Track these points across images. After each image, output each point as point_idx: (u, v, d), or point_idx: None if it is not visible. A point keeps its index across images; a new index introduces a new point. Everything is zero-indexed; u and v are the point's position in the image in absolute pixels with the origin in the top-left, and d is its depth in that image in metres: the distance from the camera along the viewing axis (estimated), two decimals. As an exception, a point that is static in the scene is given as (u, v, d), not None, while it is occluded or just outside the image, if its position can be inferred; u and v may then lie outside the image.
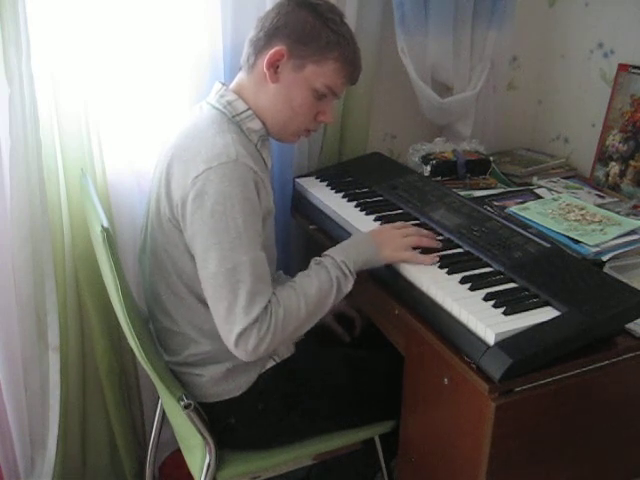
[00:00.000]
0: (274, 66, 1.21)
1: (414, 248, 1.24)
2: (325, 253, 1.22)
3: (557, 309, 1.07)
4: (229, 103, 1.24)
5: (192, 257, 1.17)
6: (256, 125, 1.26)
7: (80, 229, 1.47)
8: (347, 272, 1.18)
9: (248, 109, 1.25)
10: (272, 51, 1.20)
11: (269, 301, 1.12)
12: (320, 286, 1.16)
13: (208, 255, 1.11)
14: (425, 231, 1.29)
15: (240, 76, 1.29)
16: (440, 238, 1.33)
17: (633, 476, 1.26)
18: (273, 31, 1.21)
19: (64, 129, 1.40)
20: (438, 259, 1.21)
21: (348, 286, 1.19)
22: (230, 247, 1.10)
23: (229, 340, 1.11)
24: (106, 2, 1.39)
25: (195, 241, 1.13)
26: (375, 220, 1.41)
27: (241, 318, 1.09)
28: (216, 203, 1.10)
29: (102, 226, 1.09)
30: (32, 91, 1.31)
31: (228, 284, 1.10)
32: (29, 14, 1.27)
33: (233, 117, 1.24)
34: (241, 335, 1.09)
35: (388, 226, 1.29)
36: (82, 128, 1.41)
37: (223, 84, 1.28)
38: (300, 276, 1.19)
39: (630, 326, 1.11)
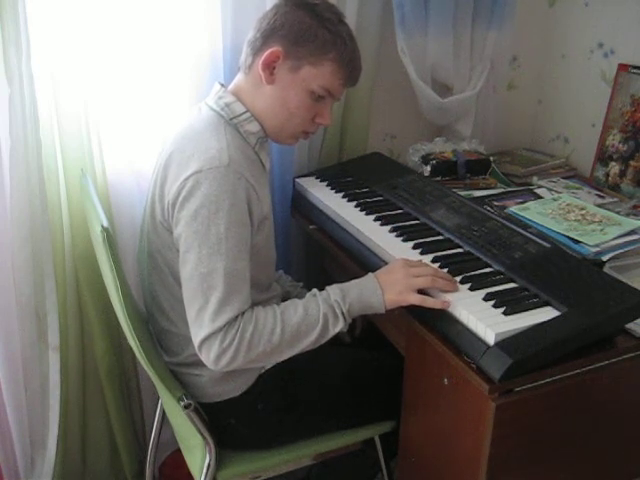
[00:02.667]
0: (270, 67, 1.20)
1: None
2: (326, 287, 1.17)
3: (557, 309, 1.07)
4: (227, 105, 1.24)
5: None
6: (254, 127, 1.25)
7: (80, 229, 1.48)
8: (338, 313, 1.13)
9: (246, 111, 1.24)
10: (268, 52, 1.19)
11: (241, 314, 1.10)
12: (304, 318, 1.12)
13: (187, 256, 1.11)
14: (442, 272, 1.17)
15: (238, 77, 1.28)
16: (440, 238, 1.33)
17: (633, 476, 1.26)
18: (269, 32, 1.20)
19: (64, 129, 1.40)
20: (449, 303, 1.09)
21: (337, 327, 1.13)
22: (208, 252, 1.09)
23: (195, 343, 1.11)
24: (106, 2, 1.39)
25: (179, 242, 1.13)
26: (375, 220, 1.41)
27: (207, 324, 1.08)
28: (201, 206, 1.09)
29: (102, 226, 1.09)
30: (32, 91, 1.31)
31: (201, 289, 1.09)
32: (29, 14, 1.27)
33: (231, 119, 1.23)
34: (204, 341, 1.08)
35: (400, 263, 1.17)
36: (82, 128, 1.41)
37: (222, 85, 1.28)
38: (289, 302, 1.15)
39: (630, 326, 1.11)
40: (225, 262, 1.09)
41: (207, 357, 1.10)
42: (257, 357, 1.11)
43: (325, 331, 1.14)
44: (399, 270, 1.16)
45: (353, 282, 1.18)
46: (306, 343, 1.14)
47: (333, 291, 1.16)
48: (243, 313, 1.10)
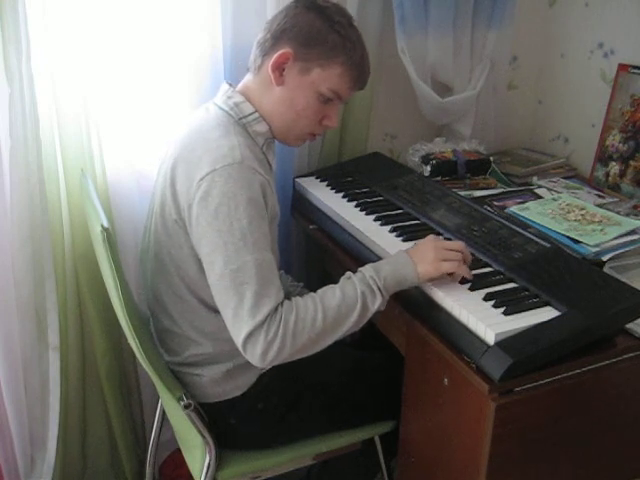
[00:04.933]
0: (280, 68, 1.21)
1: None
2: (359, 269, 1.16)
3: (557, 309, 1.07)
4: (236, 105, 1.24)
5: (197, 259, 1.16)
6: (262, 128, 1.25)
7: (80, 229, 1.48)
8: (375, 289, 1.11)
9: (255, 112, 1.24)
10: (278, 53, 1.19)
11: (280, 305, 1.08)
12: (343, 300, 1.10)
13: (213, 257, 1.09)
14: (467, 252, 1.19)
15: (247, 78, 1.28)
16: (440, 238, 1.33)
17: (633, 476, 1.26)
18: (280, 33, 1.21)
19: (64, 129, 1.40)
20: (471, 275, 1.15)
21: (376, 304, 1.12)
22: (235, 248, 1.08)
23: (238, 344, 1.08)
24: (106, 2, 1.39)
25: (201, 244, 1.12)
26: (375, 220, 1.41)
27: (247, 321, 1.06)
28: (220, 204, 1.08)
29: (102, 226, 1.09)
30: (32, 91, 1.31)
31: (233, 286, 1.07)
32: (29, 14, 1.27)
33: (240, 119, 1.23)
34: (248, 338, 1.05)
35: (429, 237, 1.20)
36: (82, 128, 1.41)
37: (230, 85, 1.28)
38: (325, 288, 1.14)
39: (630, 326, 1.11)
40: (253, 255, 1.08)
41: (253, 354, 1.07)
42: (303, 346, 1.09)
43: (365, 310, 1.12)
44: (429, 243, 1.16)
45: (384, 260, 1.18)
46: (348, 325, 1.11)
47: (366, 270, 1.15)
48: (282, 304, 1.09)
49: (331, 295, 1.11)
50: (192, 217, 1.12)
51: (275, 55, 1.20)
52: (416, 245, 1.19)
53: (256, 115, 1.24)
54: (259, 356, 1.06)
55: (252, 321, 1.05)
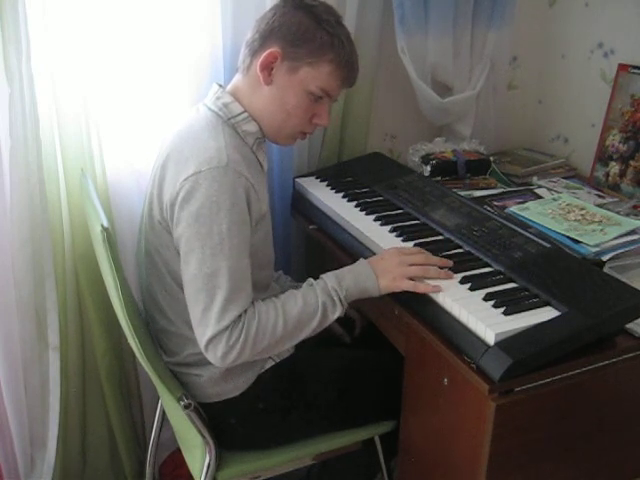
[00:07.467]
0: (268, 68, 1.21)
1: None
2: (321, 276, 1.20)
3: (557, 309, 1.07)
4: (225, 105, 1.24)
5: None
6: (252, 127, 1.25)
7: (80, 229, 1.48)
8: (336, 299, 1.16)
9: (244, 111, 1.24)
10: (266, 53, 1.20)
11: (245, 311, 1.11)
12: (304, 308, 1.15)
13: (189, 257, 1.11)
14: (435, 258, 1.19)
15: (236, 78, 1.29)
16: (440, 238, 1.33)
17: (633, 476, 1.26)
18: (268, 33, 1.21)
19: (64, 129, 1.40)
20: (439, 288, 1.12)
21: (335, 313, 1.17)
22: (211, 252, 1.10)
23: (201, 343, 1.12)
24: (106, 2, 1.39)
25: (180, 242, 1.14)
26: (375, 220, 1.41)
27: (213, 324, 1.09)
28: (202, 207, 1.10)
29: (102, 226, 1.09)
30: (32, 91, 1.31)
31: (205, 288, 1.10)
32: (29, 14, 1.27)
33: (229, 119, 1.23)
34: (211, 341, 1.10)
35: (393, 251, 1.21)
36: (82, 128, 1.41)
37: (220, 86, 1.28)
38: (288, 294, 1.18)
39: (630, 326, 1.11)
40: (229, 261, 1.10)
41: (214, 356, 1.11)
42: (262, 350, 1.14)
43: (324, 318, 1.17)
44: (392, 257, 1.19)
45: (346, 268, 1.21)
46: (307, 332, 1.17)
47: (329, 279, 1.18)
48: (246, 311, 1.12)
49: (293, 303, 1.15)
50: (174, 216, 1.14)
51: (263, 54, 1.20)
52: (379, 256, 1.22)
53: (245, 115, 1.24)
54: (219, 358, 1.11)
55: (217, 325, 1.09)
